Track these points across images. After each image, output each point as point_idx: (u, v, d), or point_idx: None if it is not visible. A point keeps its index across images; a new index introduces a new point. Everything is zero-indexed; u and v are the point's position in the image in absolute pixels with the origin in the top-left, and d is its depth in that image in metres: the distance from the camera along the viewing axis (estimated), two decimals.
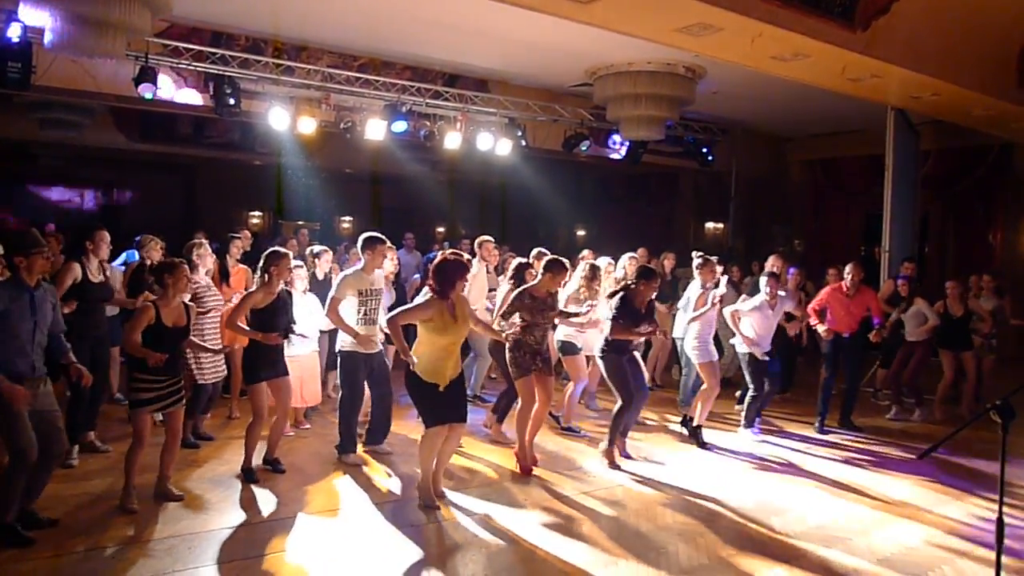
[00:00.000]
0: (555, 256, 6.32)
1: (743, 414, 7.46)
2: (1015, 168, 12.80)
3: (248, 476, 5.60)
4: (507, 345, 6.07)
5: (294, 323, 5.84)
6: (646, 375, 6.95)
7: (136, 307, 5.30)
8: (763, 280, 7.35)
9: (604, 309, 6.71)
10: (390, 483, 5.73)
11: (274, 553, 4.45)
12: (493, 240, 8.51)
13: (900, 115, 10.49)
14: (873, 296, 7.84)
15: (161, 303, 5.05)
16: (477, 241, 8.43)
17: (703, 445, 6.98)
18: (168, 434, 5.18)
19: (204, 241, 6.72)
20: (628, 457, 6.48)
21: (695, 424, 7.08)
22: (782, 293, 7.38)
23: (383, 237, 6.11)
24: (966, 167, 13.25)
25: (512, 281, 6.66)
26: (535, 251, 7.73)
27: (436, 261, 5.28)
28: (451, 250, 5.75)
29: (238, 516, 4.95)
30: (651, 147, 12.91)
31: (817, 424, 7.67)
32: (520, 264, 6.81)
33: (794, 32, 7.20)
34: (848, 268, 7.64)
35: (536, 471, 6.07)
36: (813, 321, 7.69)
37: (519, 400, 6.16)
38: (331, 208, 19.16)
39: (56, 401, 4.68)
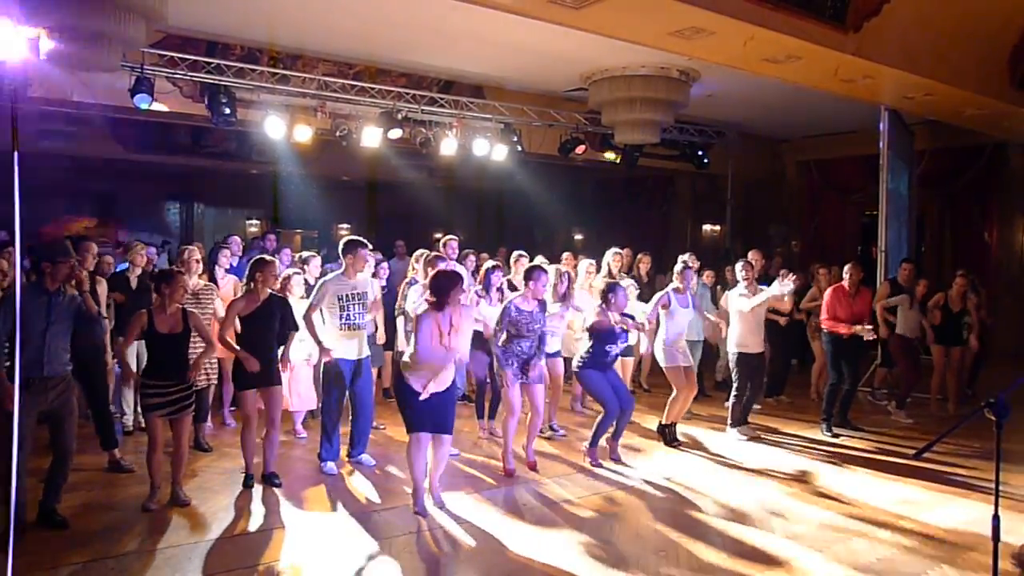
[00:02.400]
0: (534, 263, 6.30)
1: (728, 413, 7.49)
2: (1009, 167, 12.85)
3: (247, 482, 5.62)
4: (495, 353, 6.07)
5: (294, 328, 5.84)
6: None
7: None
8: (738, 267, 7.43)
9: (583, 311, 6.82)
10: (384, 490, 5.73)
11: (271, 562, 4.45)
12: (457, 239, 8.37)
13: (894, 115, 10.52)
14: (870, 297, 7.87)
15: (156, 311, 5.17)
16: (441, 241, 8.31)
17: (671, 443, 7.04)
18: (173, 440, 5.28)
19: (193, 247, 6.75)
20: (618, 461, 6.51)
21: (664, 422, 7.11)
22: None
23: (364, 240, 6.05)
24: (961, 166, 13.28)
25: (482, 287, 6.70)
26: (515, 254, 7.71)
27: (430, 277, 5.31)
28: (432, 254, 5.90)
29: (235, 525, 4.96)
30: (647, 150, 12.94)
31: (824, 427, 7.64)
32: (488, 268, 6.83)
33: (786, 34, 7.24)
34: (847, 268, 7.67)
35: (532, 475, 6.10)
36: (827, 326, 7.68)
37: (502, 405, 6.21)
38: (328, 216, 19.17)
39: (74, 404, 4.88)
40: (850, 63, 8.09)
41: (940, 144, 12.76)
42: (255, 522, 5.05)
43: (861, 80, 8.79)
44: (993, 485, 3.19)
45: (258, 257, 5.77)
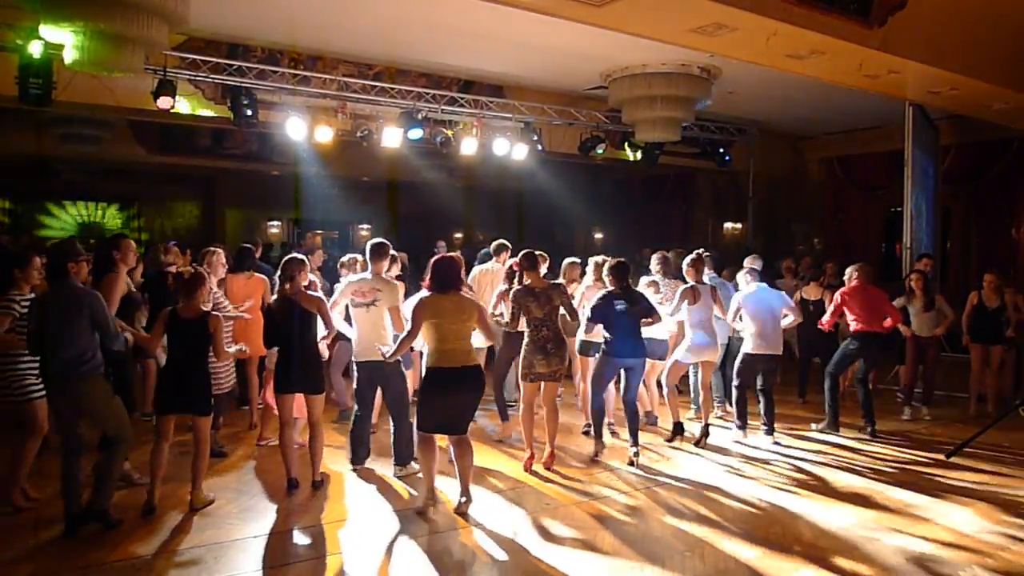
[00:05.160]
0: (528, 250, 6.27)
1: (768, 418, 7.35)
2: None
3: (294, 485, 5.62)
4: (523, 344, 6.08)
5: None
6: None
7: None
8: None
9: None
10: (403, 492, 5.72)
11: (294, 562, 4.48)
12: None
13: (919, 111, 10.39)
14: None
15: (181, 311, 5.22)
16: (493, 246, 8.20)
17: (698, 443, 6.99)
18: (170, 440, 5.29)
19: (218, 249, 6.73)
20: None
21: (707, 422, 7.08)
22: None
23: (388, 242, 6.11)
24: (987, 162, 13.08)
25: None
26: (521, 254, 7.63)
27: (431, 263, 5.35)
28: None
29: (259, 526, 4.96)
30: (667, 148, 12.86)
31: (870, 429, 7.50)
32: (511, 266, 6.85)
33: (809, 30, 7.16)
34: (849, 271, 7.59)
35: (553, 474, 6.08)
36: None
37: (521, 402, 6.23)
38: (349, 216, 19.26)
39: None
40: (875, 58, 7.99)
41: (966, 139, 12.58)
42: (279, 523, 5.05)
43: (886, 75, 8.68)
44: (1019, 488, 3.14)
45: (294, 255, 5.72)
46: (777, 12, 6.85)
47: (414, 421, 5.41)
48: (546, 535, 4.89)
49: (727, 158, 13.51)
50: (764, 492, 5.81)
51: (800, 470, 6.39)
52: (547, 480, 5.95)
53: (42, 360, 4.78)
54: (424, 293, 5.28)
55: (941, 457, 6.68)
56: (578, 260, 7.94)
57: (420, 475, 5.43)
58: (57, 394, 4.80)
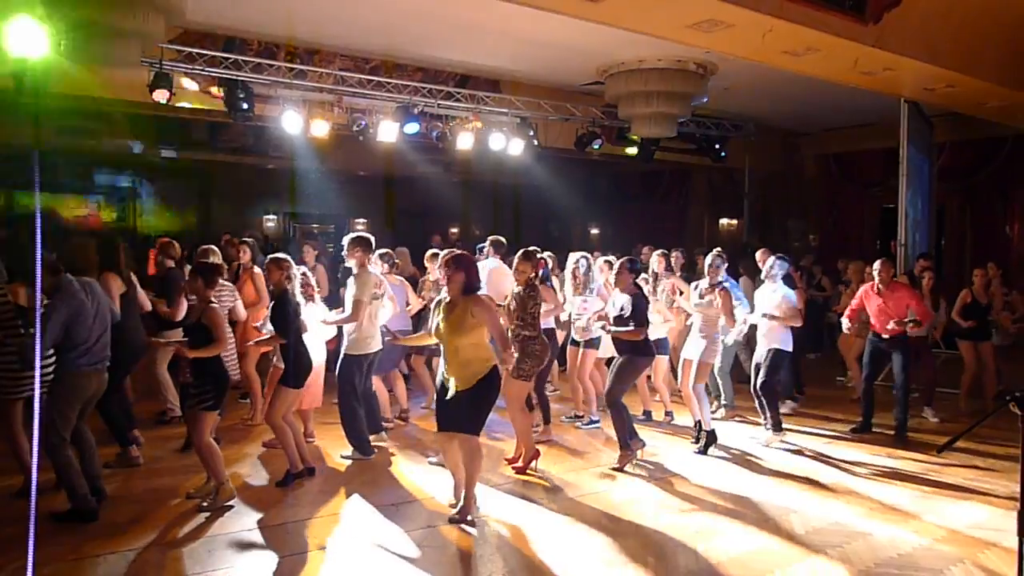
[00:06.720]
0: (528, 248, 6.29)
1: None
2: None
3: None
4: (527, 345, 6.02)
5: None
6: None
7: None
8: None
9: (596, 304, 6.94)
10: (402, 484, 5.75)
11: (290, 554, 4.49)
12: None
13: (914, 107, 10.40)
14: (910, 294, 7.39)
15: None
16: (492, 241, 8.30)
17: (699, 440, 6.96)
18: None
19: (214, 247, 6.94)
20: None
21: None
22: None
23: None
24: (982, 159, 13.13)
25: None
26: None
27: (451, 263, 5.23)
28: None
29: (254, 519, 4.98)
30: (663, 144, 12.87)
31: (857, 426, 7.51)
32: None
33: (805, 26, 7.17)
34: (876, 266, 7.46)
35: (553, 469, 6.09)
36: (847, 324, 7.63)
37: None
38: (345, 210, 19.23)
39: None
40: (870, 55, 8.00)
41: (961, 136, 12.61)
42: (276, 515, 5.07)
43: (881, 72, 8.69)
44: (1010, 483, 3.15)
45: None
46: (773, 9, 6.85)
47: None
48: (540, 530, 4.91)
49: (723, 154, 13.52)
50: (757, 487, 5.84)
51: (793, 466, 6.42)
52: (541, 475, 5.98)
53: (85, 349, 4.81)
54: (475, 293, 4.92)
55: (932, 453, 6.70)
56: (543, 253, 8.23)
57: (463, 482, 5.08)
58: (93, 383, 4.92)
